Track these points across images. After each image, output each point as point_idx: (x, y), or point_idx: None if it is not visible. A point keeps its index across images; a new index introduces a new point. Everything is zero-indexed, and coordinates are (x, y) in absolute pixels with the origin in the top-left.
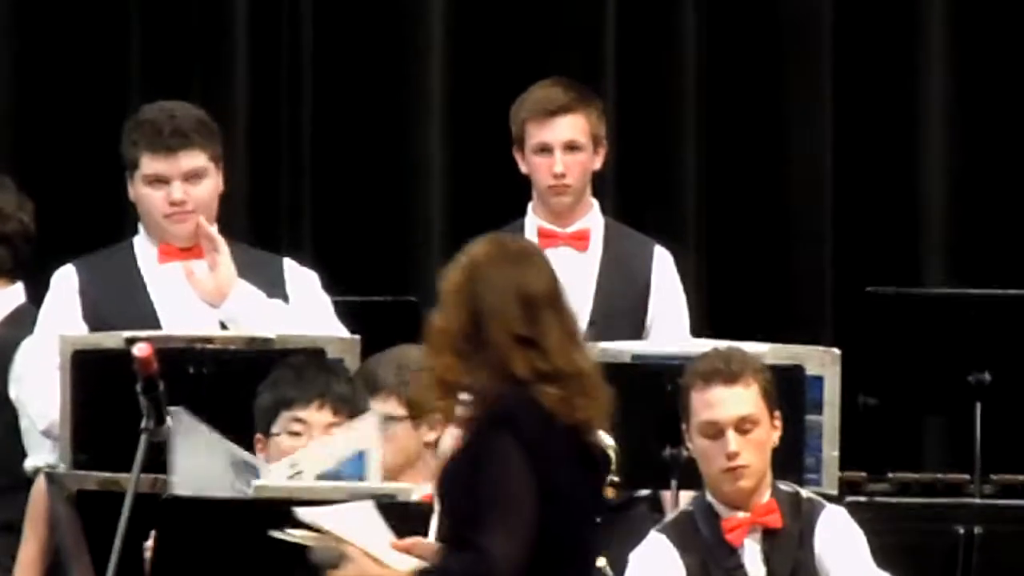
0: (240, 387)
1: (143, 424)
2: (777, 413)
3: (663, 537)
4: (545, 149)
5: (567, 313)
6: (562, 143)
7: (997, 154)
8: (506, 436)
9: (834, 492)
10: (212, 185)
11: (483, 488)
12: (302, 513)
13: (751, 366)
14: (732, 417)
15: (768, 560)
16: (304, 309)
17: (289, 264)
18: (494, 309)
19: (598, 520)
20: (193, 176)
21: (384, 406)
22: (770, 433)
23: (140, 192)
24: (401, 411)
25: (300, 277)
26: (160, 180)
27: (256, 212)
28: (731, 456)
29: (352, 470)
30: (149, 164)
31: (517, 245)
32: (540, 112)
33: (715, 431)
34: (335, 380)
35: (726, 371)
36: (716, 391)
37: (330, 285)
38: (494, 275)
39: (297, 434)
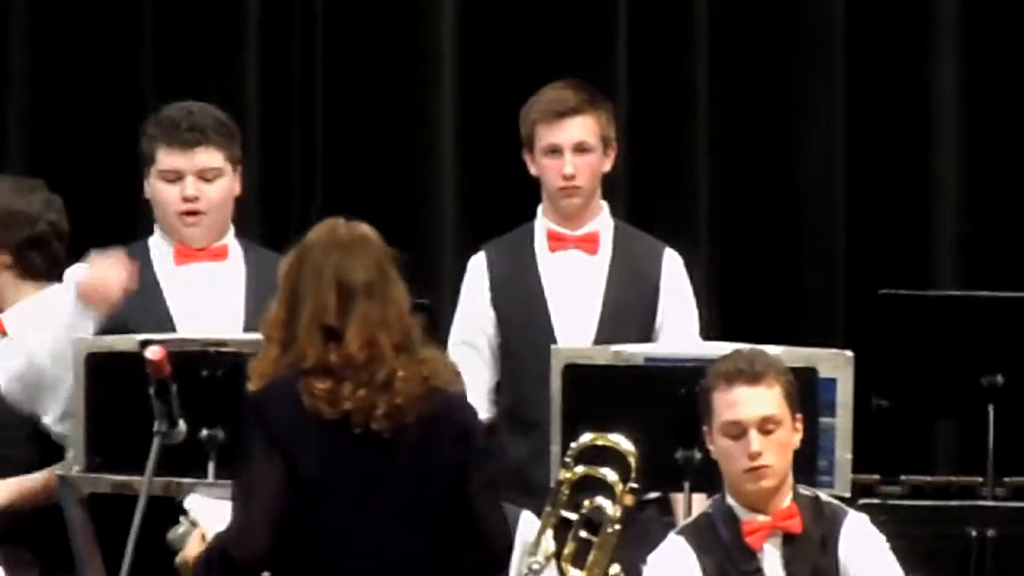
0: None
1: (156, 427)
2: (799, 416)
3: (681, 539)
4: (555, 151)
5: (388, 303)
6: (572, 144)
7: (1010, 156)
8: (252, 424)
9: (847, 494)
10: (227, 186)
11: (234, 472)
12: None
13: (774, 367)
14: (755, 417)
15: (788, 565)
16: None
17: None
18: (310, 296)
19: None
20: (208, 175)
21: None
22: (792, 435)
23: (155, 188)
24: None
25: None
26: (175, 175)
27: (267, 213)
28: (753, 456)
29: None
30: (165, 158)
31: (351, 232)
32: (550, 114)
33: (738, 431)
34: None
35: (749, 371)
36: (739, 391)
37: None
38: (320, 261)
39: None
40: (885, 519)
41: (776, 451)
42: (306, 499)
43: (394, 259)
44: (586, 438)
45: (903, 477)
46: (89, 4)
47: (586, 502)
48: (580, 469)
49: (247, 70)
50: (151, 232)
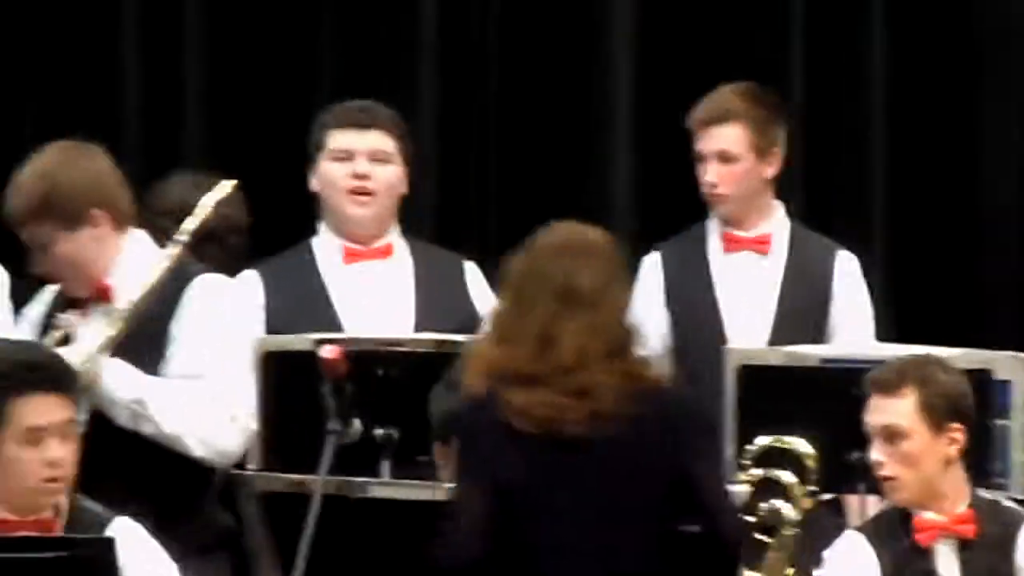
0: (428, 390)
1: (330, 426)
2: (953, 426)
3: (860, 536)
4: (702, 158)
5: (607, 310)
6: (714, 153)
7: None
8: (458, 436)
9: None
10: (398, 174)
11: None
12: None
13: (913, 377)
14: (875, 425)
15: (964, 567)
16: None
17: (471, 266)
18: (533, 300)
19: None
20: (380, 157)
21: None
22: (933, 447)
23: (324, 171)
24: None
25: (481, 281)
26: (346, 154)
27: (443, 216)
28: (874, 466)
29: None
30: (336, 139)
31: (581, 236)
32: (699, 121)
33: (871, 437)
34: None
35: (882, 380)
36: (873, 399)
37: None
38: (547, 265)
39: None
40: None
41: (901, 463)
42: (510, 509)
43: (622, 264)
44: (764, 441)
45: None
46: (264, 18)
47: (762, 505)
48: (757, 472)
49: (421, 74)
50: (315, 232)
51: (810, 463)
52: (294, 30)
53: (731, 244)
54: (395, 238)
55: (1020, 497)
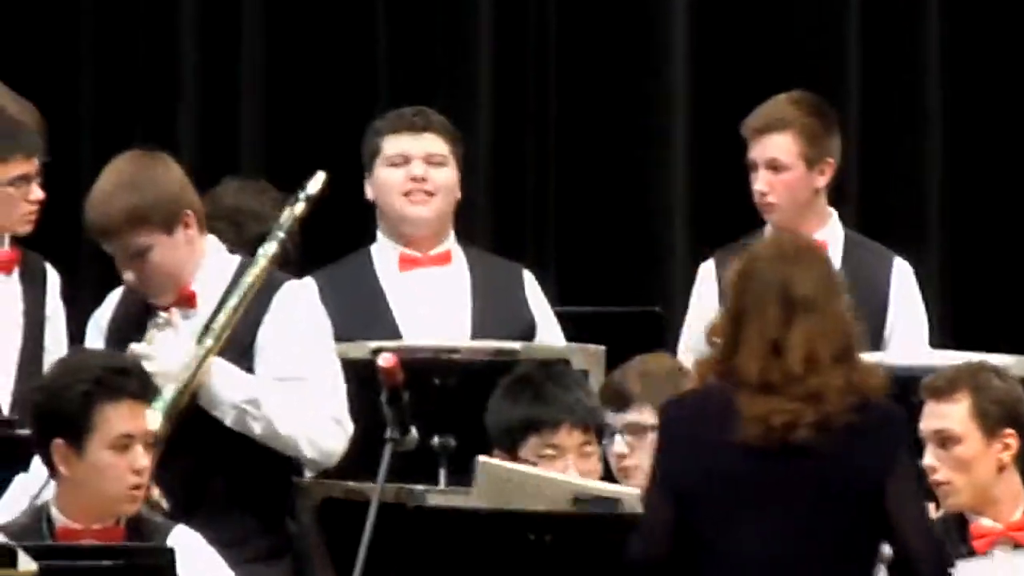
0: (485, 398)
1: (388, 434)
2: (1010, 431)
3: None
4: (754, 166)
5: (830, 315)
6: (764, 161)
7: None
8: (660, 431)
9: None
10: (453, 176)
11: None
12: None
13: (967, 383)
14: (928, 431)
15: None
16: (547, 319)
17: (528, 275)
18: (755, 309)
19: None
20: (435, 160)
21: (638, 416)
22: (987, 452)
23: (380, 177)
24: (654, 418)
25: (538, 289)
26: (403, 159)
27: (500, 224)
28: (928, 470)
29: None
30: (392, 144)
31: (797, 244)
32: (751, 130)
33: (925, 444)
34: (577, 395)
35: (934, 386)
36: (927, 405)
37: (575, 296)
38: (766, 274)
39: (552, 458)
40: None
41: (954, 468)
42: (702, 515)
43: (837, 275)
44: None
45: None
46: (322, 24)
47: None
48: None
49: (478, 81)
50: (373, 239)
51: None
52: (352, 38)
53: None
54: (452, 245)
55: None
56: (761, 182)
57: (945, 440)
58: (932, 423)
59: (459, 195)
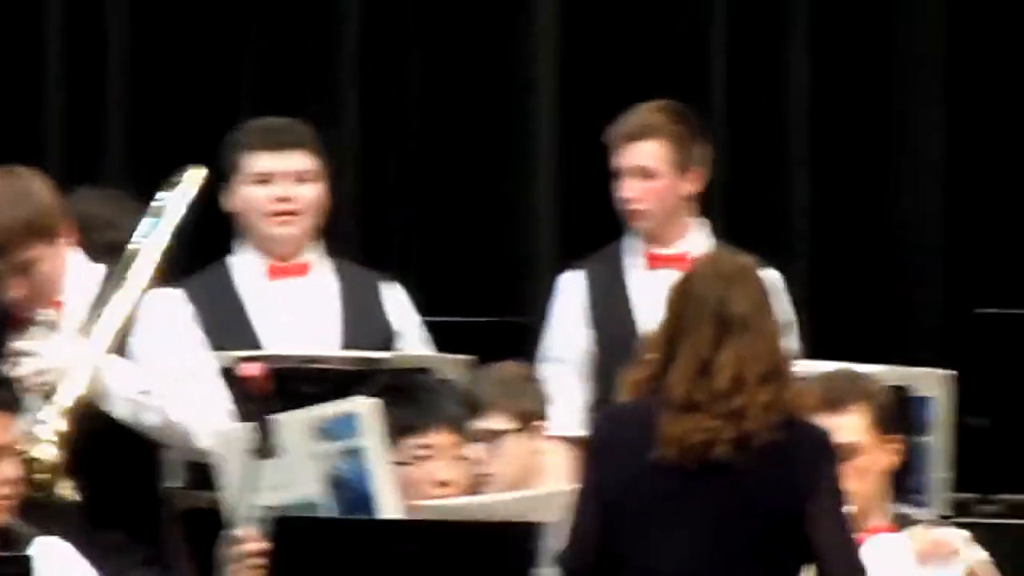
0: None
1: (254, 444)
2: (896, 437)
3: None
4: (619, 173)
5: (762, 335)
6: (632, 169)
7: None
8: (590, 441)
9: (945, 514)
10: (320, 191)
11: None
12: None
13: (856, 393)
14: None
15: None
16: (409, 328)
17: (391, 285)
18: (690, 328)
19: None
20: (302, 177)
21: (492, 422)
22: (878, 459)
23: (243, 194)
24: (509, 425)
25: (401, 300)
26: (266, 178)
27: (365, 234)
28: None
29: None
30: (255, 162)
31: (733, 263)
32: (618, 137)
33: None
34: (446, 401)
35: (825, 399)
36: (819, 417)
37: (440, 306)
38: (702, 292)
39: (426, 459)
40: (982, 538)
41: (851, 477)
42: (623, 527)
43: (771, 289)
44: None
45: (1001, 496)
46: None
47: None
48: None
49: (344, 91)
50: (229, 251)
51: None
52: (219, 46)
53: (652, 261)
54: (317, 255)
55: (942, 514)
56: (629, 189)
57: (844, 452)
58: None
59: (327, 205)
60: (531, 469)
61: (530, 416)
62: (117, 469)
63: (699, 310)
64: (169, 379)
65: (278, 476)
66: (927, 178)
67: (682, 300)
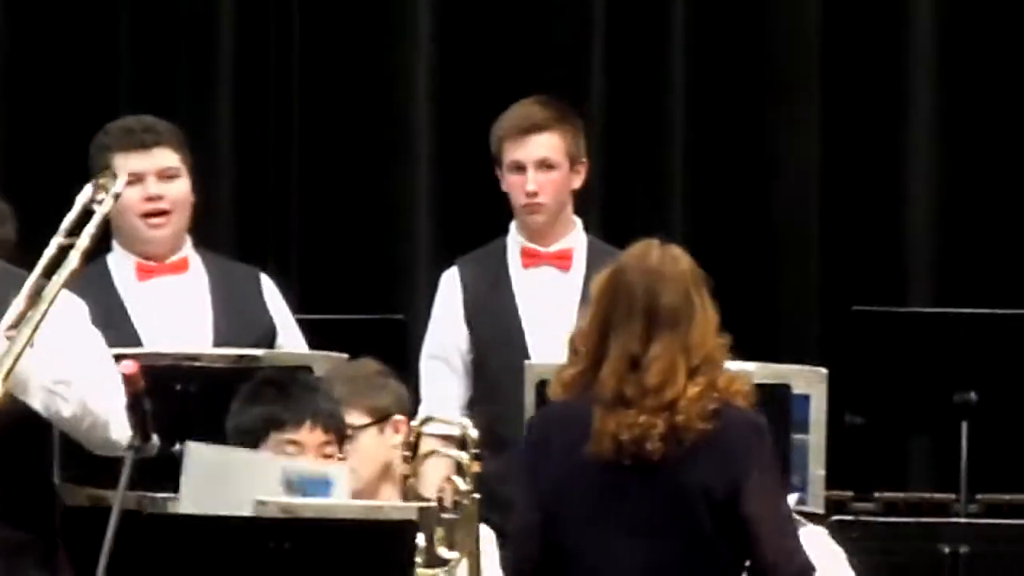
0: (227, 404)
1: (129, 441)
2: None
3: None
4: (519, 167)
5: (693, 328)
6: (534, 161)
7: (983, 174)
8: (526, 438)
9: (820, 511)
10: (187, 187)
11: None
12: None
13: None
14: None
15: None
16: (287, 322)
17: (266, 278)
18: (621, 323)
19: None
20: (168, 175)
21: (346, 418)
22: None
23: None
24: (360, 420)
25: (276, 293)
26: (135, 178)
27: (242, 230)
28: None
29: (315, 488)
30: (123, 163)
31: (663, 255)
32: (514, 130)
33: None
34: (320, 397)
35: None
36: None
37: (317, 303)
38: (632, 286)
39: (293, 456)
40: (858, 536)
41: None
42: (559, 522)
43: (704, 280)
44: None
45: (876, 494)
46: (63, 25)
47: (440, 484)
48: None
49: (220, 87)
50: (109, 248)
51: (468, 433)
52: (92, 43)
53: (531, 259)
54: (189, 252)
55: (819, 511)
56: (532, 182)
57: None
58: None
59: (193, 199)
60: (386, 465)
61: (384, 412)
62: (15, 467)
63: (628, 305)
64: (85, 370)
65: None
66: (804, 176)
67: (611, 295)
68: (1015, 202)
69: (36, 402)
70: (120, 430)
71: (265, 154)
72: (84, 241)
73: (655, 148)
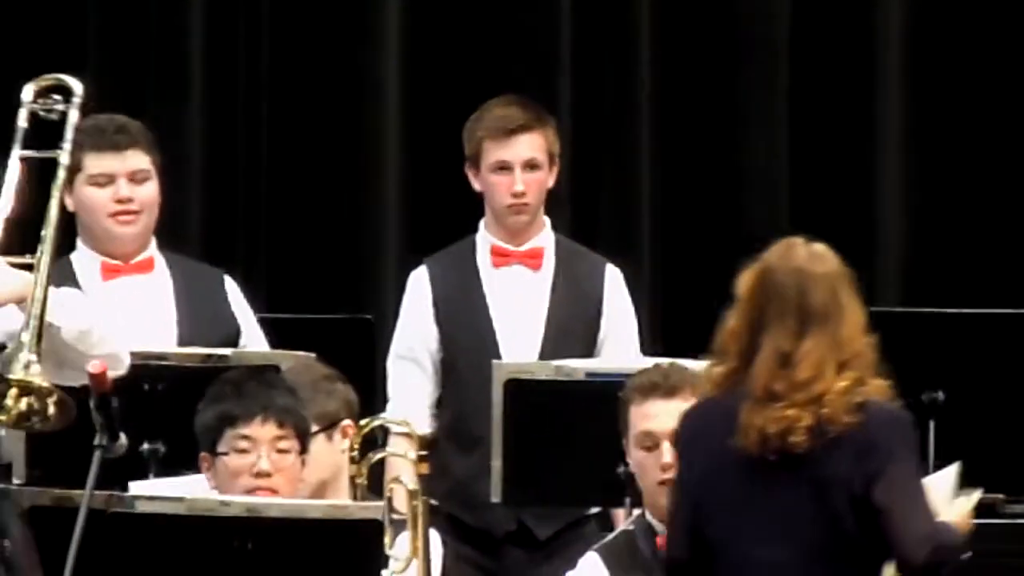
0: (195, 403)
1: (97, 440)
2: None
3: (596, 557)
4: (504, 168)
5: (842, 324)
6: (522, 162)
7: (953, 174)
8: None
9: None
10: (156, 189)
11: None
12: None
13: (689, 381)
14: (668, 430)
15: None
16: (250, 323)
17: (229, 280)
18: (773, 320)
19: None
20: (139, 176)
21: None
22: None
23: (82, 195)
24: (312, 427)
25: (239, 294)
26: (107, 179)
27: (211, 230)
28: (665, 468)
29: None
30: (95, 163)
31: (810, 252)
32: (500, 131)
33: (651, 443)
34: (276, 392)
35: (664, 385)
36: (654, 404)
37: (285, 303)
38: (782, 284)
39: (244, 451)
40: None
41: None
42: (709, 519)
43: (849, 277)
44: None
45: None
46: (34, 30)
47: (387, 485)
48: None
49: (190, 87)
50: (73, 247)
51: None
52: (59, 45)
53: (501, 258)
54: (154, 252)
55: None
56: (520, 183)
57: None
58: (670, 422)
59: (159, 200)
60: (335, 471)
61: (333, 418)
62: None
63: (780, 304)
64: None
65: None
66: (773, 177)
67: (761, 294)
68: (985, 202)
69: (70, 334)
70: (125, 352)
71: (234, 153)
72: (64, 158)
73: (621, 148)
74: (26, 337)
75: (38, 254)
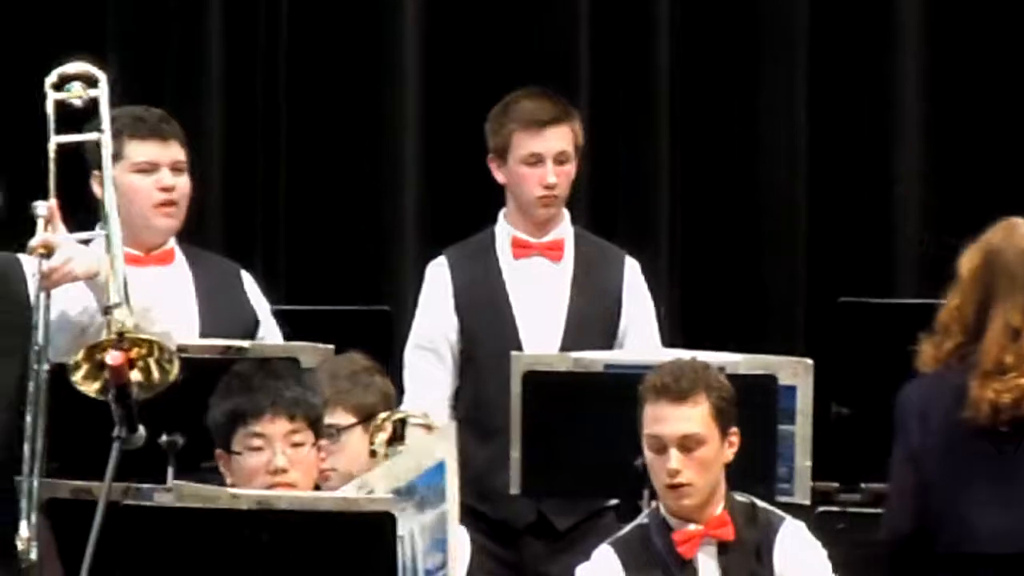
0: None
1: (115, 432)
2: (733, 429)
3: (610, 551)
4: (536, 160)
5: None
6: (554, 154)
7: (970, 165)
8: (897, 412)
9: (807, 502)
10: (190, 182)
11: None
12: None
13: (703, 383)
14: (675, 435)
15: (724, 573)
16: (266, 317)
17: (246, 274)
18: (1004, 297)
19: None
20: (179, 167)
21: (331, 417)
22: (721, 451)
23: (127, 182)
24: (346, 420)
25: (256, 288)
26: (152, 167)
27: (231, 222)
28: (672, 473)
29: (430, 480)
30: (139, 150)
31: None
32: (532, 123)
33: (659, 446)
34: (283, 384)
35: (675, 389)
36: (663, 407)
37: (304, 295)
38: (1013, 262)
39: (259, 449)
40: (844, 526)
41: (697, 469)
42: (931, 488)
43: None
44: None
45: (863, 485)
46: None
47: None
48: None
49: (210, 81)
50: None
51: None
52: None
53: (522, 250)
54: (173, 244)
55: (805, 502)
56: (552, 175)
57: (691, 443)
58: (678, 427)
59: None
60: (373, 464)
61: (371, 411)
62: None
63: (1010, 281)
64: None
65: None
66: (791, 168)
67: (988, 273)
68: (1000, 193)
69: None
70: (176, 334)
71: (253, 146)
72: (107, 139)
73: (640, 140)
74: (117, 301)
75: (104, 231)
